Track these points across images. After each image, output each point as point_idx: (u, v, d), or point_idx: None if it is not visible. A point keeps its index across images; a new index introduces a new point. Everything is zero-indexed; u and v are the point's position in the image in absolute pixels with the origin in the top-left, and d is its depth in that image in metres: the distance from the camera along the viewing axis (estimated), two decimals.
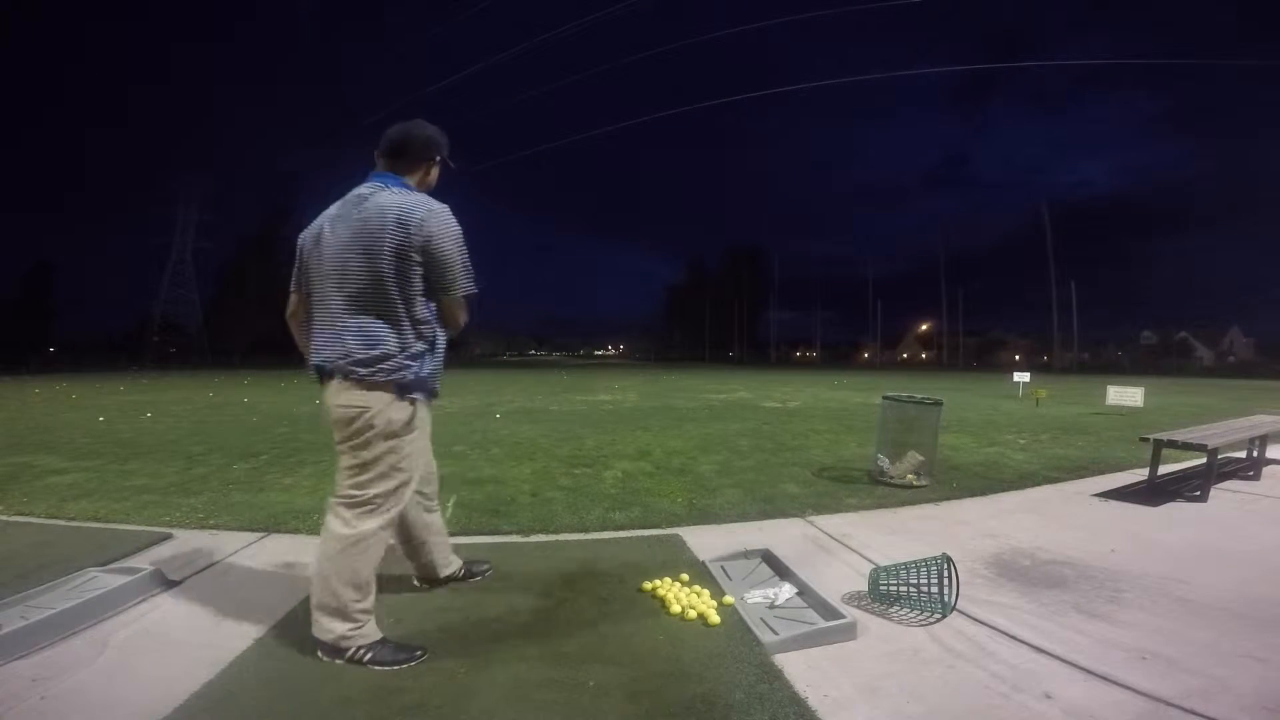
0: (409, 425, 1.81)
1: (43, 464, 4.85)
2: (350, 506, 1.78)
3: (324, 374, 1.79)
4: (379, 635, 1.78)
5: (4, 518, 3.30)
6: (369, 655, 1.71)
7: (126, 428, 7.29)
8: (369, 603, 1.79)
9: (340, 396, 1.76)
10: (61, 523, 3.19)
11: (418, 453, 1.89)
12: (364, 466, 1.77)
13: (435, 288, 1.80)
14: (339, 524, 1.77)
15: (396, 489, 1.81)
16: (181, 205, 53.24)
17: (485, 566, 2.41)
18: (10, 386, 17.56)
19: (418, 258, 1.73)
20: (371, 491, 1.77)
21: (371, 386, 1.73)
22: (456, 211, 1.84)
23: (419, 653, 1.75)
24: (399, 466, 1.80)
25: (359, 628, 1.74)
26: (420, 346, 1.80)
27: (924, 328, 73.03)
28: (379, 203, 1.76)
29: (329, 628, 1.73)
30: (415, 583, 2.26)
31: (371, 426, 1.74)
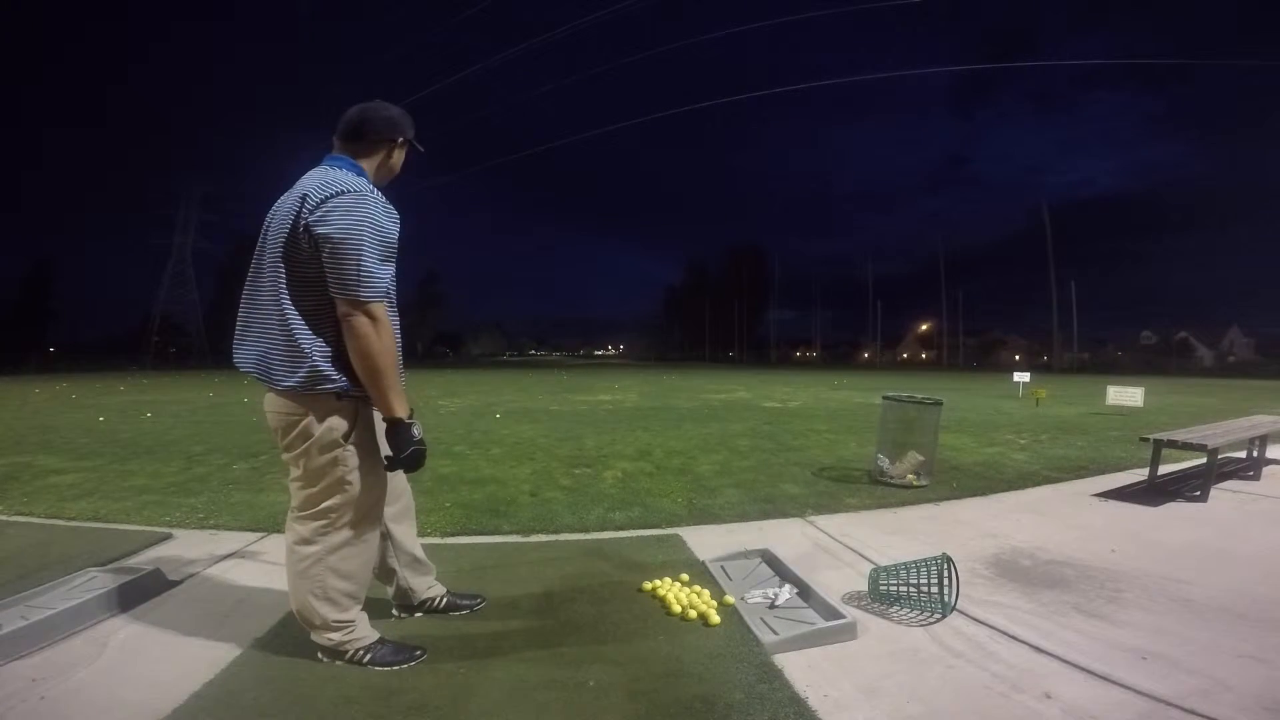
0: (351, 434, 1.62)
1: (43, 464, 4.85)
2: (304, 521, 1.67)
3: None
4: (375, 636, 1.76)
5: (4, 518, 3.30)
6: (368, 657, 1.70)
7: (126, 428, 7.29)
8: (350, 612, 1.71)
9: (272, 402, 1.62)
10: (61, 523, 3.19)
11: (371, 462, 1.69)
12: (309, 479, 1.63)
13: (328, 282, 1.53)
14: (295, 539, 1.68)
15: (350, 503, 1.65)
16: (181, 205, 53.29)
17: (478, 601, 2.11)
18: (10, 386, 17.56)
19: (305, 241, 1.52)
20: (324, 504, 1.64)
21: (300, 393, 1.57)
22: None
23: (418, 653, 1.75)
24: (348, 479, 1.63)
25: (348, 633, 1.70)
26: (332, 349, 1.58)
27: (924, 328, 73.02)
28: (302, 180, 1.61)
29: (319, 637, 1.71)
30: (393, 612, 2.03)
31: (308, 436, 1.59)
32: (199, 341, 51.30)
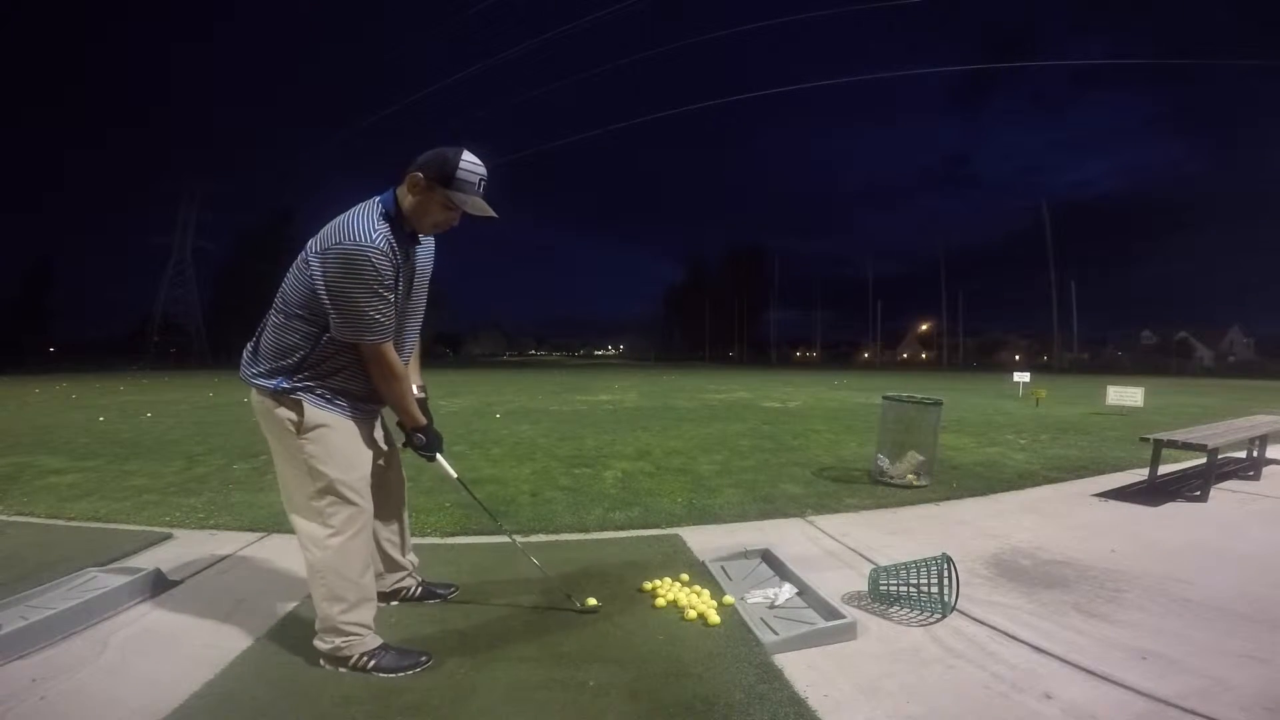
0: (301, 428, 1.70)
1: (43, 464, 4.85)
2: (293, 516, 1.76)
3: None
4: (379, 641, 1.75)
5: (4, 518, 3.30)
6: (372, 663, 1.69)
7: (126, 428, 7.29)
8: (359, 614, 1.71)
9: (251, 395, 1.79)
10: (61, 523, 3.19)
11: (335, 452, 1.72)
12: (279, 469, 1.78)
13: (331, 323, 1.67)
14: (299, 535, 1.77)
15: (316, 496, 1.70)
16: (181, 205, 53.27)
17: (452, 589, 2.23)
18: (10, 386, 17.55)
19: (305, 273, 1.65)
20: (297, 499, 1.74)
21: (251, 385, 1.75)
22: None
23: (424, 658, 1.73)
24: (312, 471, 1.70)
25: (352, 640, 1.70)
26: (288, 359, 1.70)
27: (924, 328, 73.02)
28: (338, 217, 1.70)
29: (322, 640, 1.71)
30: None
31: (269, 423, 1.74)
32: (199, 341, 51.31)
